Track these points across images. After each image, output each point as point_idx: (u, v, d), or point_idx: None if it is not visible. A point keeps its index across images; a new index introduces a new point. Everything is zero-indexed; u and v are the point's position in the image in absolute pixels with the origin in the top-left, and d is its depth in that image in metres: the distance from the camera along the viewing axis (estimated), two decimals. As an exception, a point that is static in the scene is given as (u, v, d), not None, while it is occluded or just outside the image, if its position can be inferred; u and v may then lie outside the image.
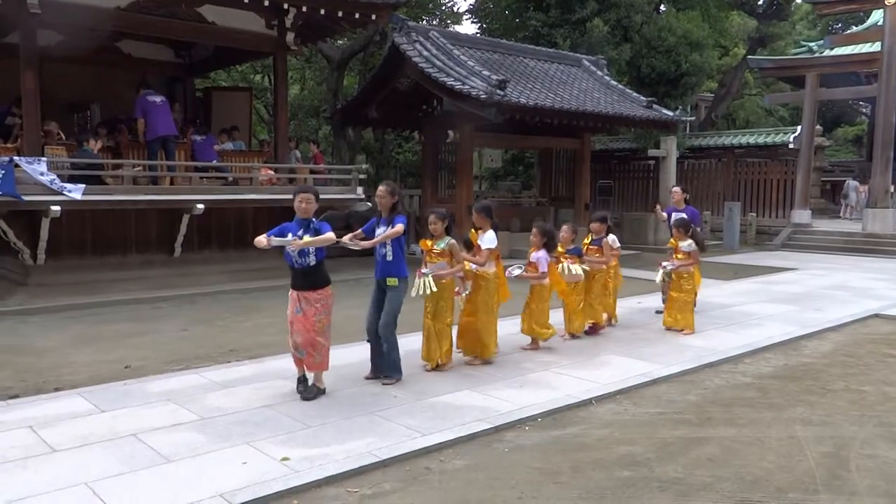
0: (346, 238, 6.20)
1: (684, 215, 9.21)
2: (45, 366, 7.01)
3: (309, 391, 5.77)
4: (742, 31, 30.22)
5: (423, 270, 6.45)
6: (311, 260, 5.67)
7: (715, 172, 22.84)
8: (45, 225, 10.01)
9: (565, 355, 7.35)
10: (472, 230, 7.08)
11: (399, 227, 6.05)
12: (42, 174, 9.92)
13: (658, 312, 9.27)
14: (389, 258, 6.16)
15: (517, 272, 7.37)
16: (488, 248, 6.74)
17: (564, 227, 8.12)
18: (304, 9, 12.21)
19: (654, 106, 17.74)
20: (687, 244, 8.64)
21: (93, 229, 11.06)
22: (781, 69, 22.58)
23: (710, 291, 11.22)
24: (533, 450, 4.89)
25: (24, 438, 4.87)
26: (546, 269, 7.42)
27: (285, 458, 4.55)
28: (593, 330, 8.34)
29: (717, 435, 5.21)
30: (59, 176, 10.12)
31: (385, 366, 6.23)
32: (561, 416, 5.58)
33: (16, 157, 9.93)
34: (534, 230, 7.56)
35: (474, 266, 6.78)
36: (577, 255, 8.04)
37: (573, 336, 8.04)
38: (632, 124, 17.84)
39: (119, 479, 4.24)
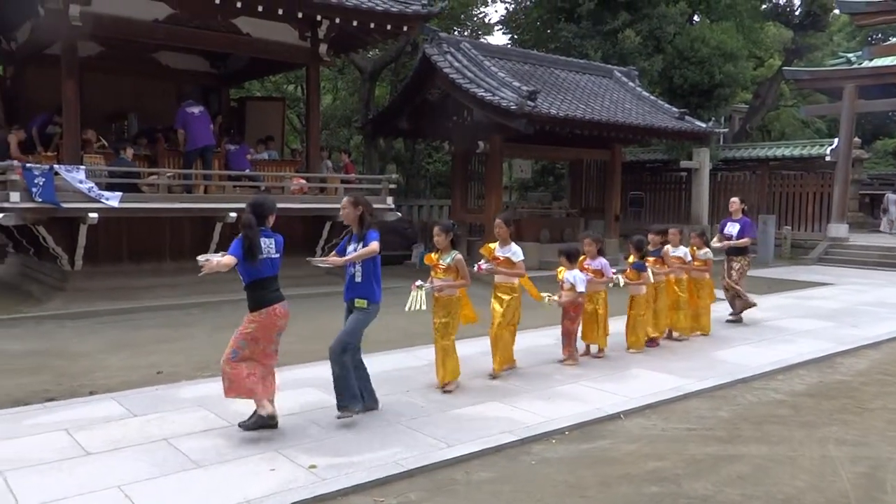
0: (315, 259, 5.72)
1: (738, 226, 9.73)
2: (81, 370, 7.15)
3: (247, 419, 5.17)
4: (778, 42, 29.81)
5: (417, 283, 6.21)
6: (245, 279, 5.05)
7: (749, 185, 22.53)
8: (82, 231, 10.24)
9: (594, 368, 7.30)
10: (487, 244, 7.01)
11: (373, 246, 5.35)
12: (80, 182, 10.16)
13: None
14: (358, 279, 5.44)
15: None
16: (522, 260, 6.78)
17: (586, 240, 7.99)
18: (337, 20, 12.37)
19: (687, 117, 17.58)
20: (704, 252, 9.07)
21: (129, 236, 11.28)
22: (818, 80, 22.22)
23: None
24: (560, 463, 4.86)
25: (59, 441, 4.97)
26: (612, 275, 7.59)
27: (312, 466, 4.58)
28: (652, 342, 8.34)
29: (749, 452, 5.13)
30: (96, 184, 10.34)
31: (337, 391, 5.40)
32: (589, 429, 5.53)
33: (55, 165, 10.19)
34: (587, 240, 7.76)
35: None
36: (639, 269, 8.01)
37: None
38: (663, 136, 17.70)
39: (150, 482, 4.31)
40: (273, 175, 13.16)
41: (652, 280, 8.13)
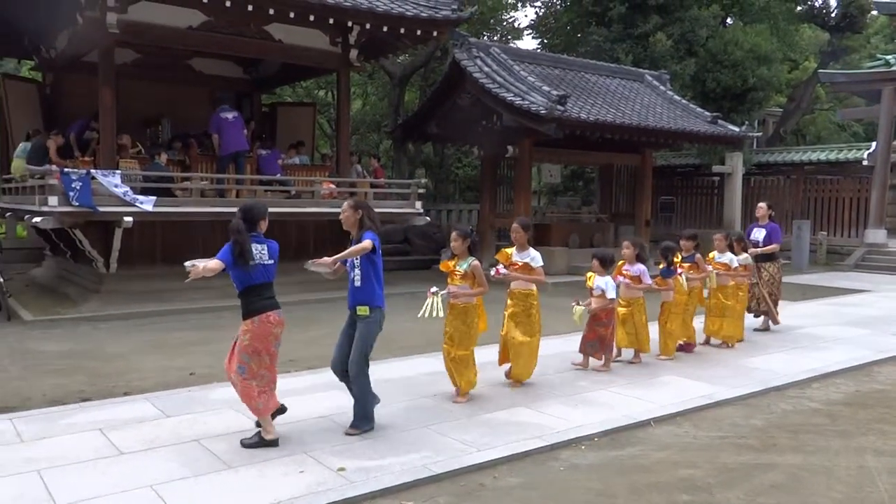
0: (308, 263, 5.33)
1: (764, 231, 9.63)
2: (115, 370, 7.28)
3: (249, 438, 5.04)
4: (813, 45, 29.31)
5: (433, 290, 5.98)
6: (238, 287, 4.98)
7: (783, 190, 22.17)
8: (117, 235, 10.43)
9: (623, 374, 7.23)
10: (503, 249, 6.77)
11: (365, 243, 5.17)
12: (116, 186, 10.36)
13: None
14: (358, 283, 5.26)
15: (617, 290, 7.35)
16: (541, 266, 6.57)
17: (626, 244, 7.96)
18: (368, 26, 12.47)
19: (719, 121, 17.37)
20: (743, 258, 8.92)
21: (162, 240, 11.47)
22: (855, 83, 21.78)
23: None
24: (589, 470, 4.82)
25: (93, 440, 5.06)
26: (650, 281, 7.51)
27: (341, 469, 4.60)
28: (686, 348, 8.31)
29: (783, 462, 5.03)
30: (131, 188, 10.54)
31: (354, 411, 5.34)
32: (618, 436, 5.48)
33: (92, 170, 10.40)
34: (625, 243, 7.67)
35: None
36: (666, 276, 7.87)
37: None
38: (695, 140, 17.50)
39: (182, 483, 4.36)
40: (303, 180, 13.29)
41: (686, 286, 8.02)
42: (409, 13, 12.42)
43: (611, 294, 7.15)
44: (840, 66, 26.00)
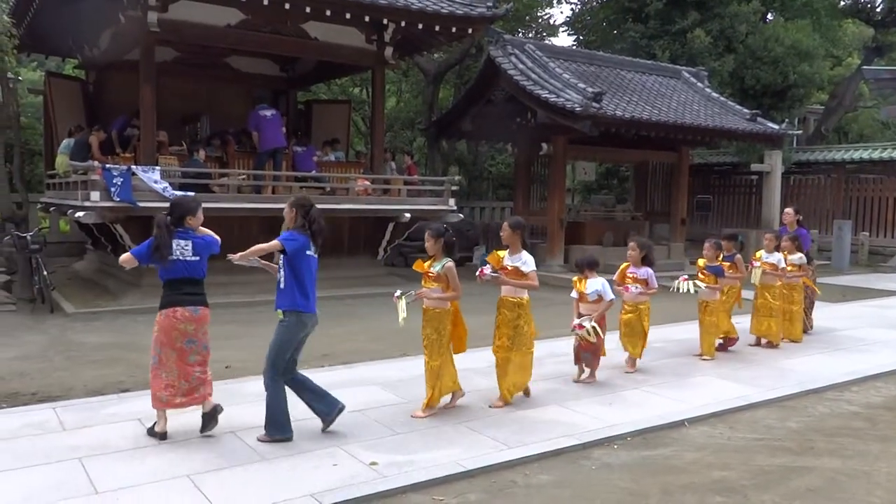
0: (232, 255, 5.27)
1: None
2: (154, 363, 7.42)
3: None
4: (857, 40, 28.57)
5: (397, 293, 5.64)
6: None
7: (824, 189, 21.69)
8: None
9: (657, 374, 7.16)
10: (495, 251, 6.13)
11: (270, 243, 5.06)
12: (156, 182, 10.57)
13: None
14: (282, 285, 5.10)
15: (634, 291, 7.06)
16: (534, 270, 5.92)
17: (707, 245, 7.88)
18: (403, 24, 12.52)
19: (759, 119, 17.06)
20: (798, 257, 8.86)
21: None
22: (900, 80, 21.23)
23: (816, 314, 10.61)
24: (621, 469, 4.79)
25: (132, 430, 5.19)
26: (656, 285, 7.11)
27: (374, 463, 4.64)
28: (726, 345, 8.22)
29: (820, 465, 4.94)
30: (170, 184, 10.73)
31: (265, 415, 5.06)
32: (651, 436, 5.44)
33: (133, 166, 10.63)
34: (631, 244, 7.17)
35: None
36: (717, 273, 7.70)
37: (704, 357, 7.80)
38: (733, 138, 17.21)
39: (218, 473, 4.45)
40: (338, 176, 13.40)
41: (691, 291, 7.74)
42: (444, 10, 12.43)
43: (609, 296, 6.66)
44: (885, 63, 25.32)
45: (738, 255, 8.28)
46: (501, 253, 6.02)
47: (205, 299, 5.16)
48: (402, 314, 5.55)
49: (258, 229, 12.05)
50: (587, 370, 6.75)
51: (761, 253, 8.71)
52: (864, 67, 23.41)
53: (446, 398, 5.85)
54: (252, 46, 12.78)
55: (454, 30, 12.95)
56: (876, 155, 20.95)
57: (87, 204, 10.28)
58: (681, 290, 7.53)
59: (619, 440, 5.30)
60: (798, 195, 21.85)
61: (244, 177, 12.02)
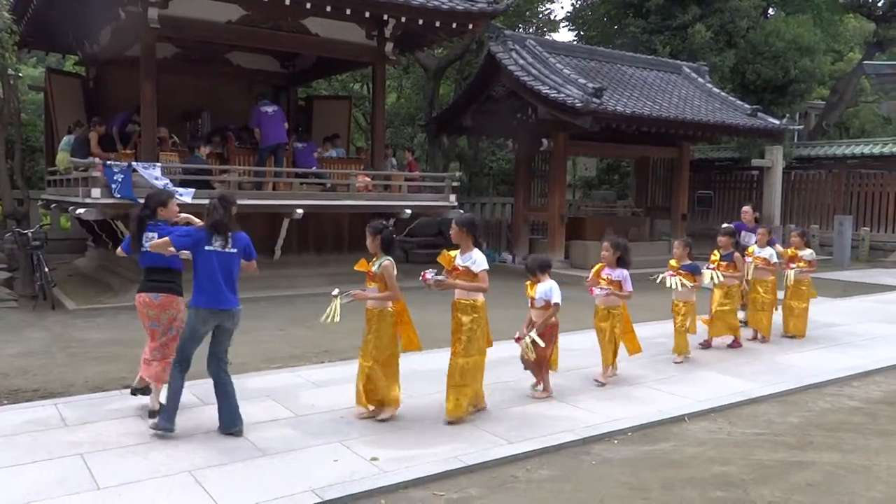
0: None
1: (753, 235, 9.32)
2: (155, 359, 7.43)
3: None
4: (858, 35, 28.54)
5: (334, 292, 5.39)
6: None
7: (825, 184, 21.68)
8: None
9: (658, 370, 7.17)
10: (446, 251, 5.66)
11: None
12: (157, 178, 10.57)
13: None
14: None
15: (601, 292, 6.56)
16: (485, 270, 5.42)
17: (677, 243, 7.70)
18: (404, 19, 12.50)
19: (759, 114, 17.05)
20: (808, 253, 8.87)
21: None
22: (902, 75, 21.18)
23: (816, 309, 10.61)
24: (621, 464, 4.81)
25: (135, 426, 5.20)
26: (631, 288, 6.58)
27: (374, 458, 4.66)
28: (733, 345, 8.20)
29: (820, 460, 4.96)
30: (171, 180, 10.73)
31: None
32: (652, 431, 5.45)
33: (133, 163, 10.63)
34: (605, 244, 6.69)
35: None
36: (693, 271, 7.45)
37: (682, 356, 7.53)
38: (734, 133, 17.21)
39: (219, 468, 4.46)
40: (339, 173, 13.40)
41: (715, 281, 7.81)
42: (444, 6, 12.42)
43: (556, 298, 5.98)
44: (886, 58, 25.28)
45: (737, 253, 8.20)
46: (453, 253, 5.59)
47: (171, 287, 5.37)
48: (331, 314, 5.30)
49: (260, 225, 12.09)
50: (540, 384, 6.20)
51: (753, 248, 8.71)
52: (866, 62, 23.38)
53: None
54: (252, 42, 12.78)
55: (455, 25, 12.93)
56: (877, 150, 20.93)
57: (88, 200, 10.28)
58: (667, 285, 7.42)
59: (620, 435, 5.32)
60: (799, 190, 21.84)
61: (244, 173, 12.02)
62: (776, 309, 8.67)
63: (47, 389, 6.31)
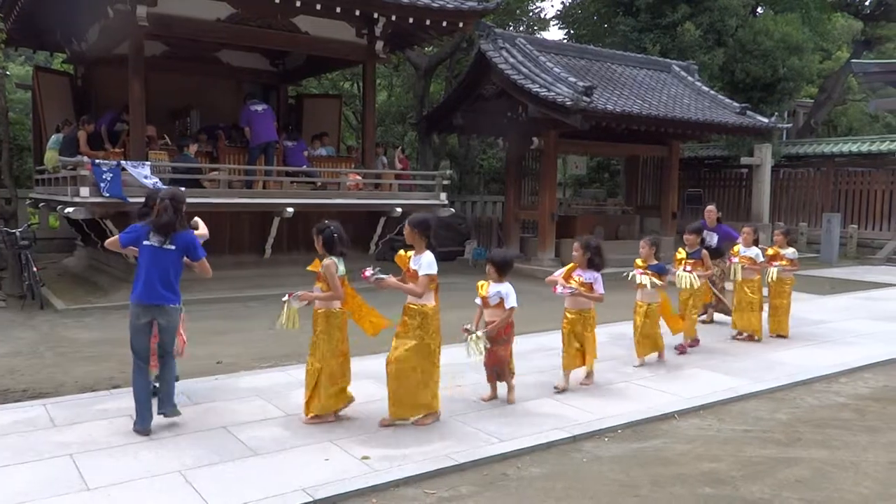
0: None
1: (716, 235, 9.46)
2: (145, 358, 7.40)
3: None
4: (846, 34, 28.70)
5: (284, 298, 5.35)
6: None
7: (813, 182, 21.82)
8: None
9: (648, 367, 7.20)
10: (402, 251, 5.49)
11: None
12: (146, 177, 10.52)
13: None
14: None
15: (565, 291, 6.24)
16: (427, 274, 5.16)
17: (643, 242, 7.40)
18: (394, 18, 12.48)
19: (748, 112, 17.14)
20: (791, 251, 8.81)
21: (190, 230, 11.62)
22: (889, 73, 21.27)
23: (805, 306, 10.73)
24: (612, 461, 4.83)
25: (124, 426, 5.18)
26: (602, 290, 6.27)
27: (365, 457, 4.66)
28: (692, 344, 8.03)
29: (808, 456, 4.99)
30: (160, 179, 10.69)
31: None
32: (642, 428, 5.48)
33: (122, 161, 10.57)
34: (575, 244, 6.41)
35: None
36: (660, 271, 7.21)
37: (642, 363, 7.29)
38: (723, 131, 17.29)
39: (210, 468, 4.45)
40: (330, 171, 13.37)
41: (695, 285, 7.69)
42: (434, 4, 12.41)
43: (511, 302, 5.67)
44: (874, 56, 25.47)
45: (704, 251, 8.07)
46: (409, 253, 5.39)
47: None
48: (289, 319, 5.26)
49: (249, 224, 12.07)
50: (497, 388, 5.96)
51: (738, 247, 8.64)
52: (854, 61, 23.54)
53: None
54: (242, 41, 12.73)
55: (445, 24, 12.93)
56: (865, 148, 21.08)
57: (76, 199, 10.22)
58: (637, 282, 7.20)
59: (610, 433, 5.34)
60: (787, 188, 21.97)
61: (234, 171, 11.98)
62: (763, 308, 8.68)
63: (36, 389, 6.28)
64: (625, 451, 5.03)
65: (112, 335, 8.53)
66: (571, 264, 6.45)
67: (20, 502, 3.96)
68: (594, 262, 6.32)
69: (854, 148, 21.36)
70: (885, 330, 9.35)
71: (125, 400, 5.75)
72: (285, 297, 5.30)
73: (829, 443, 5.27)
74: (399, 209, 12.81)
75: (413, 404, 5.27)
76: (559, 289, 6.27)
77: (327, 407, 5.29)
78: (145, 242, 5.18)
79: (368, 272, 5.21)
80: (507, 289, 5.69)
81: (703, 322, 9.32)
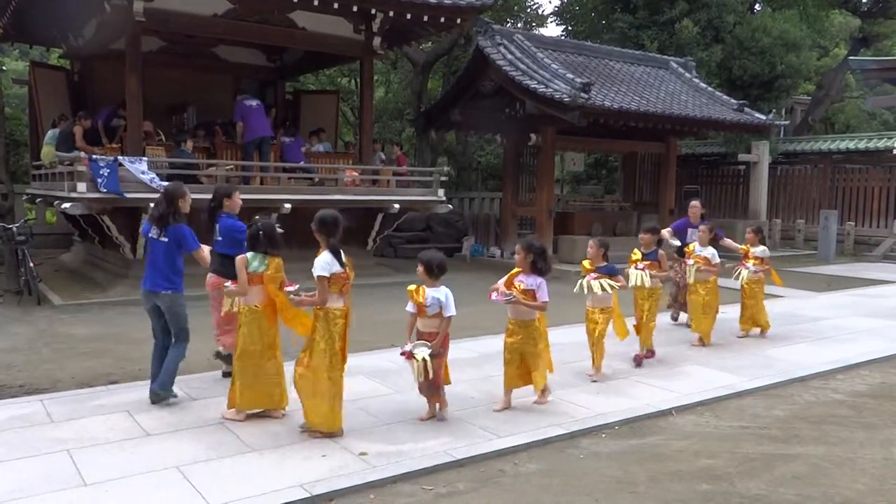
0: None
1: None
2: (142, 354, 7.36)
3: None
4: (844, 31, 28.72)
5: (227, 285, 5.61)
6: None
7: (810, 179, 21.83)
8: (144, 221, 10.57)
9: (644, 364, 7.20)
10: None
11: None
12: (143, 173, 10.50)
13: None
14: None
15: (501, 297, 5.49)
16: (319, 276, 4.82)
17: (591, 243, 6.83)
18: (391, 13, 12.46)
19: (746, 109, 17.14)
20: (760, 250, 8.67)
21: (188, 226, 11.59)
22: (887, 70, 21.28)
23: (801, 304, 10.76)
24: (609, 458, 4.83)
25: (121, 422, 5.17)
26: (546, 298, 5.52)
27: (363, 453, 4.66)
28: (647, 356, 7.32)
29: (805, 452, 5.00)
30: (157, 175, 10.66)
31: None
32: (639, 425, 5.48)
33: (120, 157, 10.55)
34: (517, 247, 5.68)
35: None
36: (609, 273, 6.60)
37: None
38: (721, 128, 17.29)
39: (207, 464, 4.45)
40: (327, 167, 13.35)
41: (647, 284, 7.15)
42: (432, 0, 12.38)
43: (450, 311, 5.18)
44: (871, 53, 25.46)
45: (661, 252, 7.51)
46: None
47: (218, 270, 6.21)
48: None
49: (246, 220, 11.99)
50: (436, 405, 5.41)
51: (694, 246, 8.23)
52: (851, 58, 23.56)
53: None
54: (239, 36, 12.69)
55: (443, 20, 12.90)
56: (862, 145, 21.11)
57: (73, 195, 10.20)
58: (594, 289, 6.49)
59: (607, 429, 5.34)
60: (785, 185, 21.98)
61: (232, 167, 11.95)
62: (718, 311, 8.33)
63: (33, 385, 6.27)
64: (622, 447, 5.03)
65: (109, 331, 8.53)
66: (515, 269, 5.65)
67: (17, 498, 3.95)
68: (538, 265, 5.53)
69: (851, 145, 21.38)
70: (882, 327, 9.37)
71: (122, 396, 5.76)
72: (227, 285, 5.65)
73: (825, 439, 5.28)
74: (396, 206, 12.81)
75: (320, 411, 4.94)
76: (494, 295, 5.49)
77: (252, 401, 5.26)
78: (150, 234, 5.68)
79: (290, 289, 5.24)
80: (445, 295, 5.17)
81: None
